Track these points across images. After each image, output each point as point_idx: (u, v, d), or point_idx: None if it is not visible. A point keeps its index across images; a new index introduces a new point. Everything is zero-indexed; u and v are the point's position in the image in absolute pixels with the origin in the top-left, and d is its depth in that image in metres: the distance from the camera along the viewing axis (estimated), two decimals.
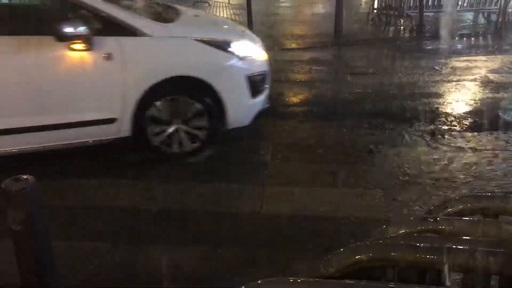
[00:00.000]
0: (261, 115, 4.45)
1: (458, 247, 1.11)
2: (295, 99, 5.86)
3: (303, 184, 3.73)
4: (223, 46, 4.05)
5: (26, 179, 2.19)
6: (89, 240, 3.03)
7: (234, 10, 11.70)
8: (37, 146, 3.79)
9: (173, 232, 3.14)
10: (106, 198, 3.56)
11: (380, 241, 1.21)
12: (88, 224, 3.23)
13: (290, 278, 1.06)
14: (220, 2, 12.77)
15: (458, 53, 7.96)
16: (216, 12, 11.75)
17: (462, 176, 3.74)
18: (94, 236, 3.09)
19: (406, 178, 3.77)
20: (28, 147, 3.77)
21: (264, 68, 4.39)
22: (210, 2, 12.76)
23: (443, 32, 9.00)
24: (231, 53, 4.08)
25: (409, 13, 9.67)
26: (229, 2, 12.59)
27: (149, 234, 3.10)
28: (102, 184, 3.75)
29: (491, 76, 6.37)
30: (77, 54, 3.61)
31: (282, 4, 12.93)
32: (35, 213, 2.18)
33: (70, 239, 3.02)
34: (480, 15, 10.70)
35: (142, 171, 3.96)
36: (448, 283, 1.11)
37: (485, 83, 6.14)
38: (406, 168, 3.92)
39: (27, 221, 2.13)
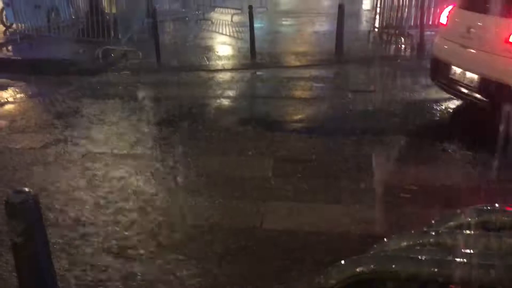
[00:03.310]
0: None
1: (460, 260, 1.11)
2: (296, 116, 5.88)
3: (303, 200, 3.73)
4: None
5: (28, 191, 2.22)
6: None
7: (237, 28, 11.81)
8: None
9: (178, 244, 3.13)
10: None
11: (382, 254, 1.21)
12: None
13: None
14: (223, 20, 12.90)
15: None
16: (219, 29, 11.87)
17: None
18: None
19: (407, 193, 3.77)
20: None
21: None
22: (213, 20, 12.90)
23: None
24: None
25: (410, 32, 9.76)
26: (232, 20, 12.72)
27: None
28: None
29: None
30: None
31: (284, 23, 13.06)
32: (35, 225, 2.19)
33: None
34: None
35: None
36: None
37: None
38: (409, 184, 3.92)
39: (28, 233, 2.14)
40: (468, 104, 5.90)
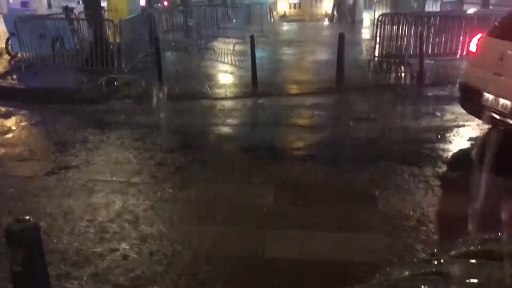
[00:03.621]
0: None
1: None
2: (298, 143, 5.91)
3: (306, 228, 3.70)
4: None
5: (29, 220, 2.22)
6: None
7: (239, 57, 11.97)
8: None
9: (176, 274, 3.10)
10: None
11: (384, 283, 1.19)
12: None
13: None
14: (225, 49, 13.08)
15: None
16: (221, 58, 12.03)
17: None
18: None
19: (410, 222, 3.74)
20: None
21: None
22: (215, 49, 13.08)
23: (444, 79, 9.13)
24: None
25: (410, 61, 9.87)
26: (233, 49, 12.90)
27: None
28: None
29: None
30: None
31: (285, 51, 13.24)
32: (35, 253, 2.18)
33: None
34: None
35: None
36: None
37: (484, 127, 6.18)
38: (409, 212, 3.89)
39: (27, 262, 2.13)
40: (472, 131, 5.94)
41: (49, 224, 3.81)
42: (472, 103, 5.59)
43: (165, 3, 17.70)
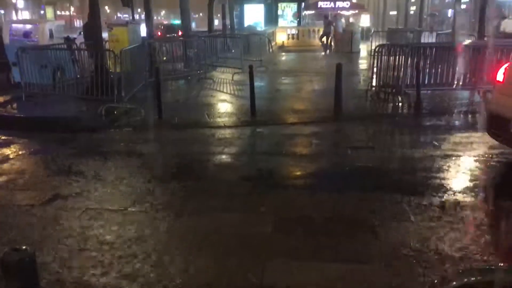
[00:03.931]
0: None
1: None
2: (297, 172, 5.91)
3: (304, 258, 3.67)
4: None
5: (25, 250, 2.20)
6: None
7: (237, 86, 12.09)
8: None
9: None
10: None
11: None
12: None
13: None
14: (224, 79, 13.24)
15: (456, 129, 8.12)
16: (220, 88, 12.15)
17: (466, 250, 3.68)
18: None
19: (409, 252, 3.71)
20: None
21: None
22: (215, 79, 13.23)
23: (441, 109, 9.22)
24: None
25: (407, 91, 9.98)
26: (232, 79, 13.04)
27: None
28: None
29: (489, 151, 6.42)
30: None
31: (283, 81, 13.39)
32: (31, 283, 2.16)
33: None
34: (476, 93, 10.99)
35: None
36: None
37: (483, 159, 6.20)
38: (409, 243, 3.86)
39: None
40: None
41: (46, 253, 3.76)
42: (501, 131, 5.70)
43: (180, 33, 18.16)
